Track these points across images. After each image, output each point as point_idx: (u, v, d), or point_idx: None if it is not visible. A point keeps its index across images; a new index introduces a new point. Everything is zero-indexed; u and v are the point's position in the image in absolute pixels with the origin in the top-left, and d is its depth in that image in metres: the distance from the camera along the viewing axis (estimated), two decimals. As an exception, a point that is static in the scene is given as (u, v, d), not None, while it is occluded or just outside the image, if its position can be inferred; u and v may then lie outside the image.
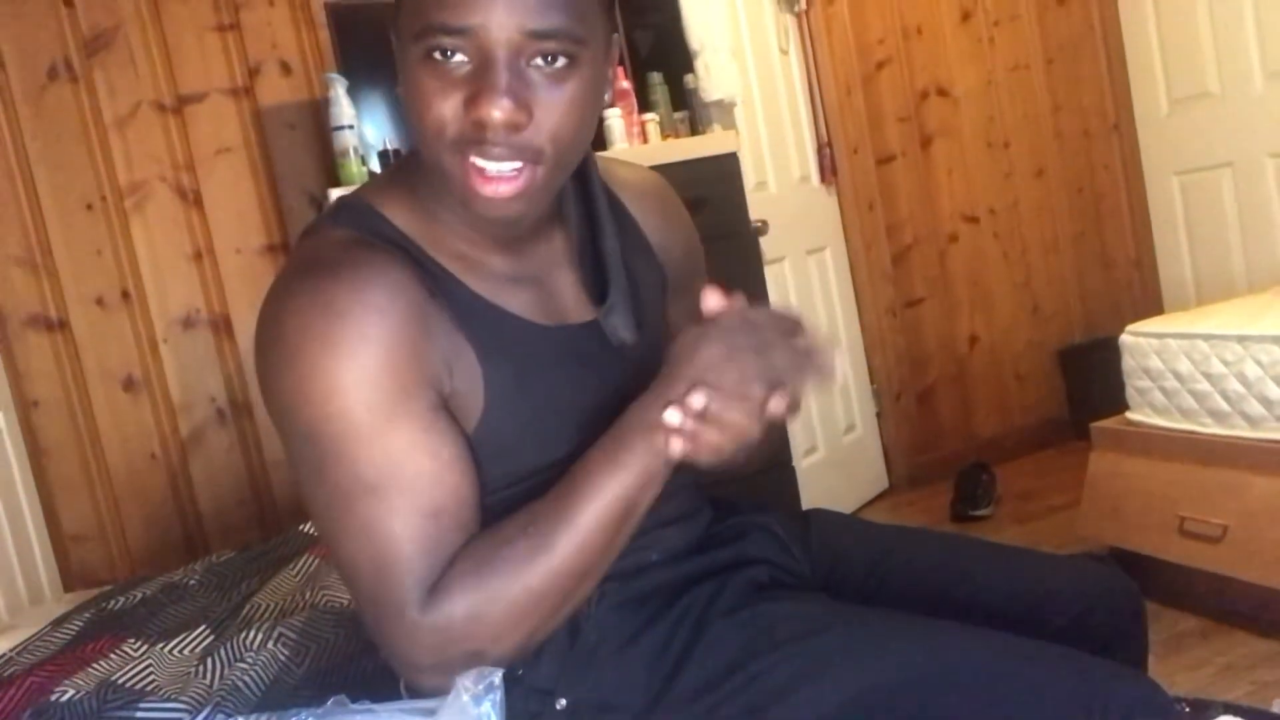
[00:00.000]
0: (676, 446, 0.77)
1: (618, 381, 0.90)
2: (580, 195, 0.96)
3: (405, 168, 0.91)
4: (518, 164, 0.79)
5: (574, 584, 0.81)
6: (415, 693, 0.84)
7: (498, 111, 0.75)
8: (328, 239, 0.85)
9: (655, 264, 1.01)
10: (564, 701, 0.85)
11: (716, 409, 0.75)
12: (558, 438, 0.88)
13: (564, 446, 0.87)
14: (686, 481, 1.00)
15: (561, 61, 0.78)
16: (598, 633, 0.88)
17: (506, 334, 0.87)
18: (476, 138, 0.77)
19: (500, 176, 0.79)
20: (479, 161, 0.78)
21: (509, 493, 0.86)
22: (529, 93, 0.77)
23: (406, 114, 0.83)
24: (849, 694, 0.80)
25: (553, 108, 0.78)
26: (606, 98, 0.87)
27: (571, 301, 0.93)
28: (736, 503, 1.06)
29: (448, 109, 0.77)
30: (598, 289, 0.93)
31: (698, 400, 0.75)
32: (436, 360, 0.82)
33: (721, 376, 0.75)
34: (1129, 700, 0.78)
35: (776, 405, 0.76)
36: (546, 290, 0.91)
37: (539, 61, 0.78)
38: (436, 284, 0.84)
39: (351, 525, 0.79)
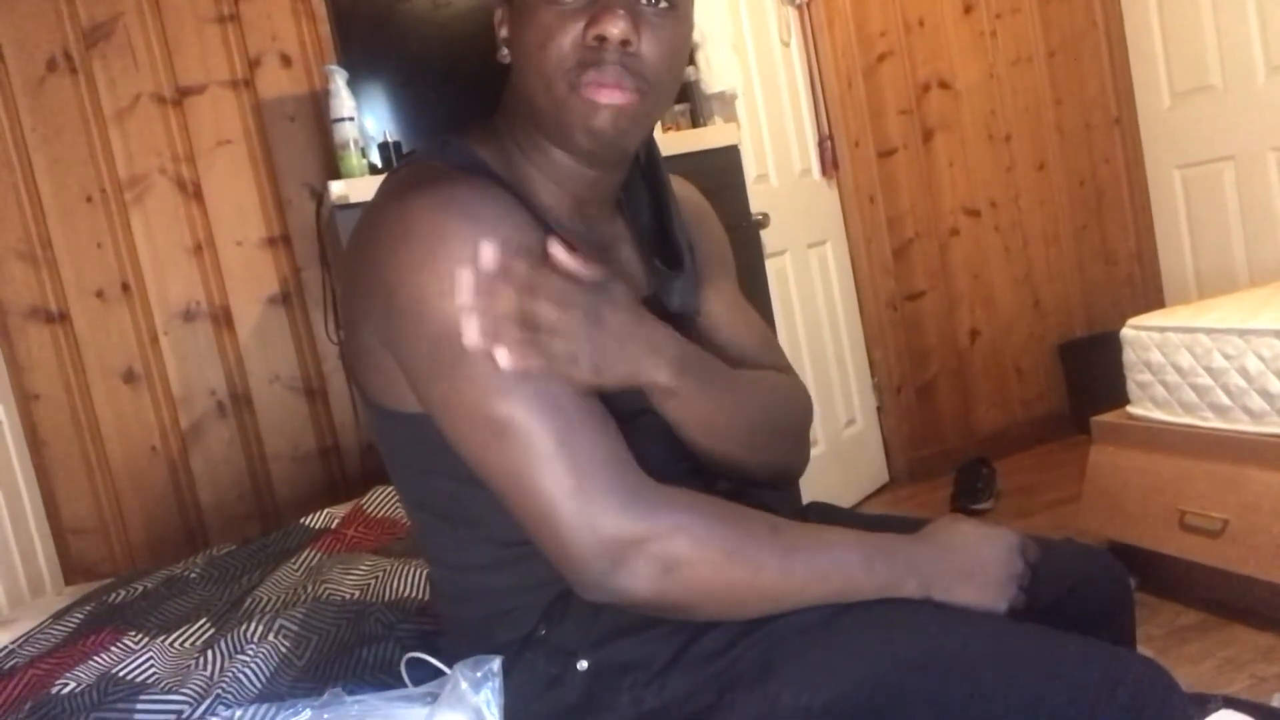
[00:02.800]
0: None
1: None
2: (642, 181, 1.04)
3: (489, 128, 0.96)
4: (627, 86, 0.87)
5: (755, 601, 0.83)
6: (579, 586, 0.82)
7: (615, 28, 0.84)
8: (437, 166, 0.90)
9: (696, 255, 1.08)
10: (585, 663, 0.86)
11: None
12: (615, 398, 0.90)
13: (626, 402, 0.90)
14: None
15: (665, 4, 0.88)
16: None
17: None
18: (594, 59, 0.85)
19: (615, 84, 0.86)
20: (594, 82, 0.86)
21: None
22: (640, 20, 0.86)
23: (522, 60, 0.90)
24: (862, 671, 0.80)
25: (657, 41, 0.87)
26: (687, 69, 0.94)
27: (630, 267, 0.99)
28: (743, 490, 1.06)
29: (567, 39, 0.86)
30: (659, 258, 1.00)
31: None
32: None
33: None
34: (1137, 681, 0.78)
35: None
36: (609, 261, 0.96)
37: (645, 1, 0.87)
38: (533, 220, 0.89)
39: (514, 414, 0.80)
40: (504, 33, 0.93)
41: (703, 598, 0.82)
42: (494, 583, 0.93)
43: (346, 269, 0.90)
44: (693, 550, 0.80)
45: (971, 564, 0.87)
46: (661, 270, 0.99)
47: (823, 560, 0.84)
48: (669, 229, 1.03)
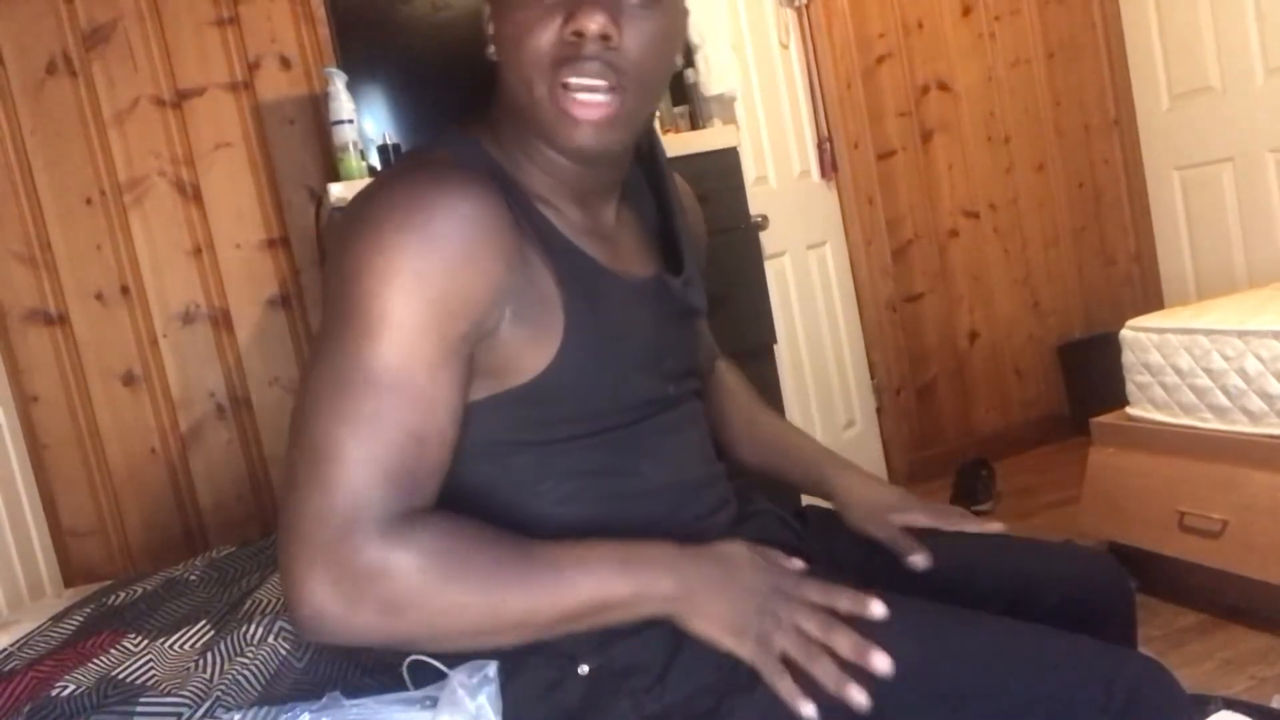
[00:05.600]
0: (693, 625, 0.83)
1: (674, 337, 1.00)
2: (645, 175, 1.05)
3: (486, 119, 0.95)
4: (605, 83, 0.85)
5: (505, 627, 0.80)
6: (309, 615, 0.77)
7: (592, 24, 0.82)
8: (434, 156, 0.88)
9: (692, 248, 1.09)
10: (585, 667, 0.86)
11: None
12: (623, 381, 0.92)
13: (637, 390, 0.92)
14: (720, 470, 1.05)
15: None
16: None
17: (583, 271, 0.91)
18: (572, 54, 0.84)
19: (592, 101, 0.85)
20: (572, 80, 0.84)
21: (565, 445, 0.89)
22: (620, 14, 0.84)
23: (504, 55, 0.89)
24: (860, 671, 0.80)
25: (638, 34, 0.85)
26: (678, 60, 0.93)
27: (634, 259, 0.99)
28: (752, 494, 1.08)
29: (545, 34, 0.84)
30: (662, 258, 1.01)
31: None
32: (502, 290, 0.83)
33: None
34: (1136, 678, 0.78)
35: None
36: (612, 246, 0.96)
37: None
38: (524, 215, 0.88)
39: (338, 409, 0.78)
40: (491, 29, 0.92)
41: (435, 633, 0.79)
42: None
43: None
44: (421, 590, 0.77)
45: (729, 581, 0.84)
46: (665, 274, 1.00)
47: (574, 572, 0.81)
48: (673, 230, 1.04)
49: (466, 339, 0.82)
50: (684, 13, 0.92)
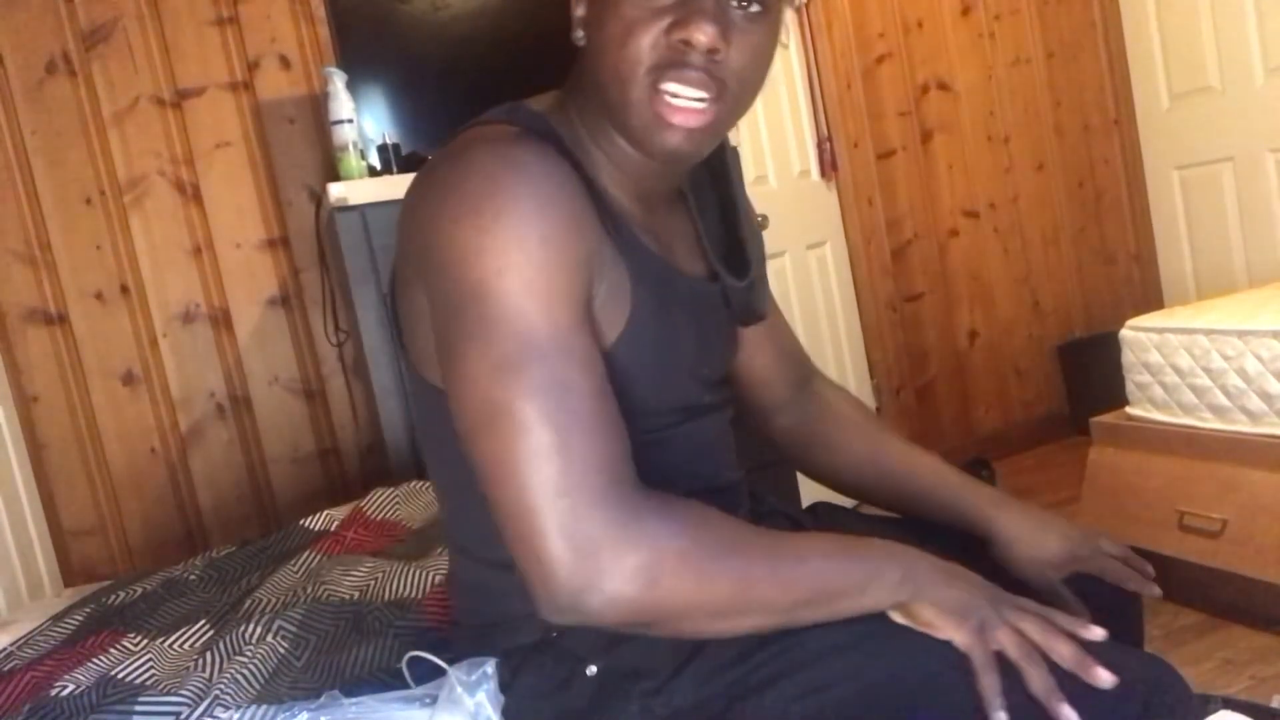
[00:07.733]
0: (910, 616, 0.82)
1: (714, 343, 0.99)
2: (708, 175, 1.04)
3: (560, 104, 0.92)
4: (706, 95, 0.83)
5: (752, 608, 0.79)
6: (549, 599, 0.75)
7: (702, 35, 0.79)
8: (505, 127, 0.85)
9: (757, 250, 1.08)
10: (594, 668, 0.85)
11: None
12: (675, 380, 0.91)
13: (677, 392, 0.91)
14: (740, 477, 1.04)
15: (756, 8, 0.84)
16: None
17: (646, 262, 0.89)
18: (677, 61, 0.81)
19: (689, 108, 0.83)
20: (672, 86, 0.82)
21: None
22: (729, 27, 0.82)
23: (599, 50, 0.85)
24: (882, 669, 0.80)
25: (744, 47, 0.83)
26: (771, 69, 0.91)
27: (685, 259, 0.97)
28: (761, 494, 1.08)
29: (649, 37, 0.81)
30: (722, 259, 0.99)
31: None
32: (593, 260, 0.82)
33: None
34: (1151, 680, 0.78)
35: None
36: (666, 244, 0.95)
37: (735, 3, 0.83)
38: (594, 196, 0.86)
39: (524, 387, 0.74)
40: (580, 11, 0.88)
41: (687, 608, 0.77)
42: (517, 581, 0.91)
43: (400, 229, 0.87)
44: (679, 560, 0.75)
45: (953, 575, 0.84)
46: (728, 278, 0.98)
47: (811, 555, 0.81)
48: (739, 234, 1.02)
49: (587, 298, 0.81)
50: (781, 23, 0.89)
